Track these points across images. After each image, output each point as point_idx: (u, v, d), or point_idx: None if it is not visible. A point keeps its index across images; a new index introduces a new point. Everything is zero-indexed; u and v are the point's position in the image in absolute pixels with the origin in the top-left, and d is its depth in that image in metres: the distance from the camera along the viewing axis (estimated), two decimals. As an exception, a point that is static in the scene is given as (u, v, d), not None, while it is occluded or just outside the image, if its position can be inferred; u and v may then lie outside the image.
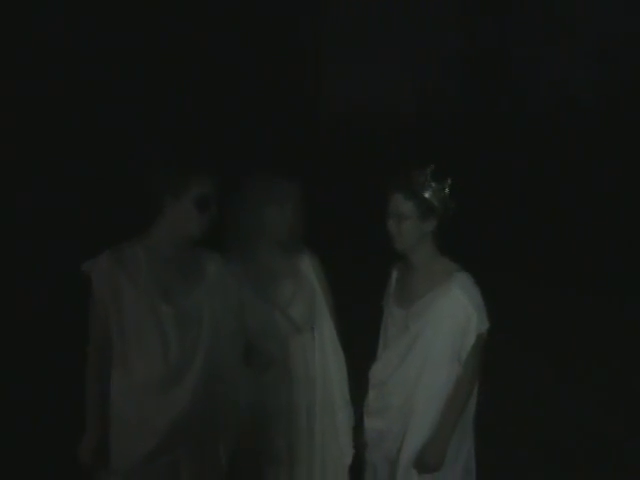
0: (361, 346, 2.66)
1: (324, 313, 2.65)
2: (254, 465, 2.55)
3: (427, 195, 2.28)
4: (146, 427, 2.14)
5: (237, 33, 4.89)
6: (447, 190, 2.30)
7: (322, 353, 2.65)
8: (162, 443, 2.15)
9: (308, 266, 2.65)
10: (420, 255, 2.36)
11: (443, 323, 2.27)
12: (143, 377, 2.13)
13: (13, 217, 3.54)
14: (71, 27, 3.74)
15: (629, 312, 7.22)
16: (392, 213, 2.33)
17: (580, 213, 11.30)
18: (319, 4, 6.25)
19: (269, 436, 2.55)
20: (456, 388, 2.28)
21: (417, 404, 2.31)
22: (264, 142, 4.83)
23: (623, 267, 9.05)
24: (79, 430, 2.21)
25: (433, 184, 2.29)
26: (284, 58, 5.39)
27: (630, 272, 8.73)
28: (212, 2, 4.81)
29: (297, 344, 2.61)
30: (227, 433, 2.36)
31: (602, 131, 11.99)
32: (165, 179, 2.15)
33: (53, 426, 3.24)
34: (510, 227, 11.16)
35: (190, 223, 2.17)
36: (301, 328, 2.60)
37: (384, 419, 2.41)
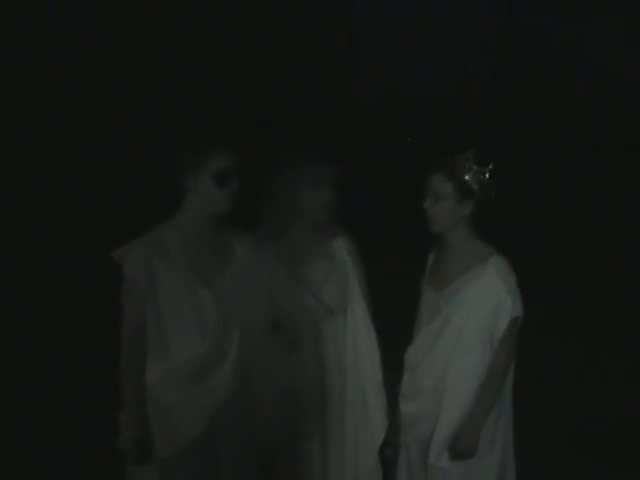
0: (399, 329, 2.63)
1: (357, 296, 2.64)
2: (287, 443, 2.56)
3: (467, 177, 2.25)
4: (188, 413, 2.10)
5: (270, 16, 4.87)
6: (487, 175, 2.27)
7: (354, 336, 2.64)
8: (205, 430, 2.11)
9: (342, 248, 2.63)
10: (456, 237, 2.34)
11: (475, 306, 2.25)
12: (183, 362, 2.10)
13: (26, 207, 3.53)
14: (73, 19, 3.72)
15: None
16: (430, 193, 2.31)
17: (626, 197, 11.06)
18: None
19: (302, 416, 2.56)
20: (488, 374, 2.26)
21: (449, 387, 2.29)
22: (301, 124, 4.82)
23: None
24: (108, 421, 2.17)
25: (474, 167, 2.26)
26: (319, 43, 5.35)
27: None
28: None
29: (329, 327, 2.60)
30: (263, 422, 2.33)
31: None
32: (182, 158, 2.12)
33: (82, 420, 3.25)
34: (545, 214, 10.99)
35: (212, 200, 2.14)
36: (333, 311, 2.60)
37: (417, 402, 2.40)
